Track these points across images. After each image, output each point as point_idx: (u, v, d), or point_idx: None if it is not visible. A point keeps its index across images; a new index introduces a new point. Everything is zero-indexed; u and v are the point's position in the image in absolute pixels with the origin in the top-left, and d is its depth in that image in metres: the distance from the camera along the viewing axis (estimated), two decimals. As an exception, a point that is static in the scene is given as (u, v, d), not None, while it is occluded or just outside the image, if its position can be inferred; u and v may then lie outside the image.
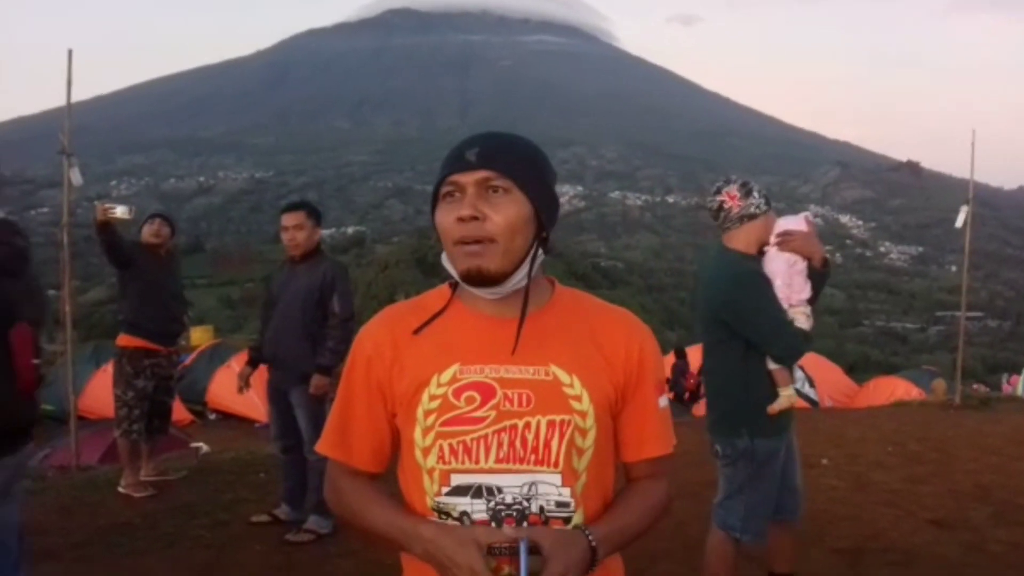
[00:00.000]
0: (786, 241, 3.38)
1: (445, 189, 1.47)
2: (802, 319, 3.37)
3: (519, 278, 1.49)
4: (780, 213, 3.53)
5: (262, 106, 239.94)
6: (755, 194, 3.37)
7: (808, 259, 3.41)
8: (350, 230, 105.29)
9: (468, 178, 1.44)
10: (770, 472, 3.39)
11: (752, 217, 3.36)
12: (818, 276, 3.43)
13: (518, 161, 1.48)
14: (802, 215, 3.57)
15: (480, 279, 1.45)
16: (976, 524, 5.23)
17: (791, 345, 3.33)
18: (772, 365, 3.33)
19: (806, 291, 3.39)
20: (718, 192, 3.42)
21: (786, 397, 3.31)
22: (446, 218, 1.46)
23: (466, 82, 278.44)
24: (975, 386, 17.32)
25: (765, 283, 3.34)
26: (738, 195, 3.36)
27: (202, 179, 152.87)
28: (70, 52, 7.02)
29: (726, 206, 3.38)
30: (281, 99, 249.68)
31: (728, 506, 3.45)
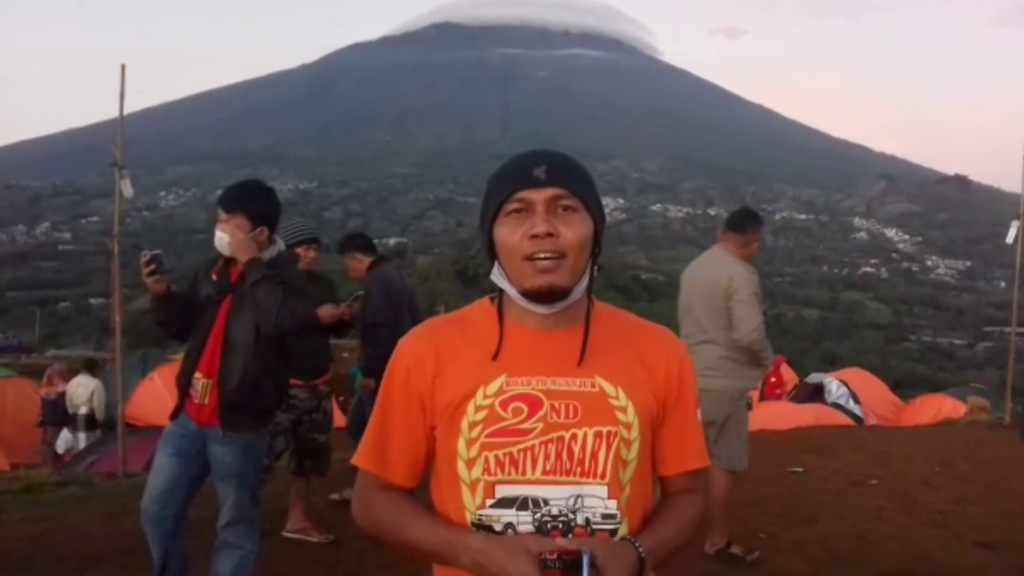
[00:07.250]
0: None
1: (512, 205, 1.46)
2: None
3: (578, 293, 1.50)
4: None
5: (306, 119, 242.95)
6: None
7: None
8: (392, 241, 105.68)
9: (539, 195, 1.44)
10: None
11: None
12: None
13: (583, 180, 1.50)
14: None
15: (550, 295, 1.45)
16: (1027, 547, 5.10)
17: None
18: None
19: None
20: None
21: None
22: (513, 234, 1.45)
23: (507, 95, 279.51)
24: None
25: None
26: None
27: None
28: (123, 67, 7.13)
29: None
30: (325, 112, 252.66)
31: None
